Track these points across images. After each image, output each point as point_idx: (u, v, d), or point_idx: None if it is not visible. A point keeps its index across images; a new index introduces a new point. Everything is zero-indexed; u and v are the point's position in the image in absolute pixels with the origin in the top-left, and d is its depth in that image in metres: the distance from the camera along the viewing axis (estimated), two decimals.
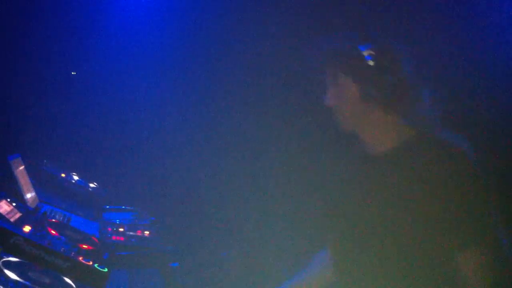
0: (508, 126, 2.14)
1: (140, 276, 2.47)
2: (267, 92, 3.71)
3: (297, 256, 3.03)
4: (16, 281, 1.64)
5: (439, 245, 1.51)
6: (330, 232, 1.91)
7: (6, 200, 2.19)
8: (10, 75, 3.85)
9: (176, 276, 2.60)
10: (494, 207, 1.50)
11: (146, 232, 2.86)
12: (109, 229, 2.78)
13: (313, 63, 1.75)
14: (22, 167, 2.77)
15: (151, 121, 4.37)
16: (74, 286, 1.85)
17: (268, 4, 3.60)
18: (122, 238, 2.72)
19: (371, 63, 1.60)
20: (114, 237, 2.70)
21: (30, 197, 2.67)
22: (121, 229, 2.80)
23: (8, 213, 2.10)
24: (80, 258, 1.98)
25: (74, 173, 3.58)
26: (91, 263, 1.99)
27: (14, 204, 2.24)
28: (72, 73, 4.44)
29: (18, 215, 2.16)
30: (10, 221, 2.03)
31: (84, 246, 2.23)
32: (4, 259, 1.74)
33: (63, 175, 3.46)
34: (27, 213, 2.31)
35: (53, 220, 2.50)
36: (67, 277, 1.87)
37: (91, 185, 3.61)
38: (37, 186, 2.90)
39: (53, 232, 2.19)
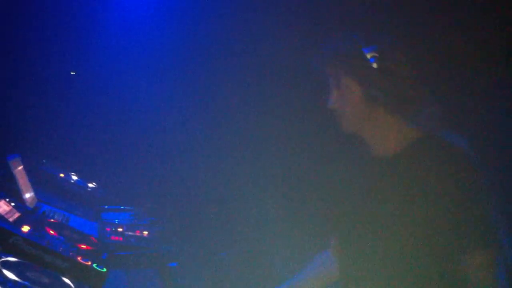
0: (509, 126, 2.14)
1: (138, 276, 2.47)
2: (269, 93, 3.70)
3: (297, 256, 3.03)
4: (15, 281, 1.64)
5: (443, 247, 1.51)
6: (333, 233, 1.91)
7: (5, 200, 2.19)
8: (9, 75, 3.84)
9: (175, 276, 2.60)
10: (496, 208, 1.50)
11: (145, 232, 2.86)
12: (108, 229, 2.78)
13: (316, 65, 1.75)
14: (21, 167, 2.76)
15: (150, 121, 4.37)
16: (72, 286, 1.85)
17: (270, 5, 3.60)
18: (121, 238, 2.72)
19: (374, 65, 1.60)
20: (112, 237, 2.70)
21: (29, 197, 2.67)
22: (120, 229, 2.80)
23: (7, 213, 2.10)
24: (79, 258, 1.98)
25: (73, 173, 3.57)
26: (89, 263, 1.99)
27: (13, 204, 2.24)
28: (71, 72, 4.44)
29: (17, 215, 2.16)
30: (9, 221, 2.02)
31: (83, 246, 2.22)
32: (3, 259, 1.74)
33: (62, 175, 3.46)
34: (26, 213, 2.31)
35: (52, 220, 2.50)
36: (65, 277, 1.87)
37: (90, 185, 3.61)
38: (36, 186, 2.90)
39: (52, 232, 2.19)
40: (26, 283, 1.66)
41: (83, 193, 3.49)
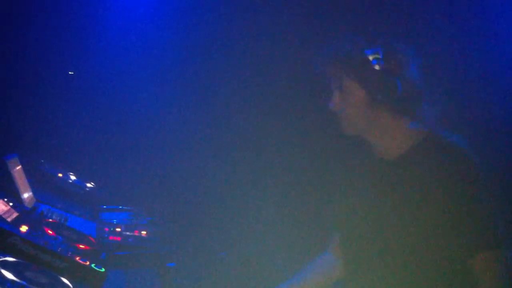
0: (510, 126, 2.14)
1: (137, 276, 2.46)
2: (270, 94, 3.70)
3: (297, 256, 3.03)
4: (13, 281, 1.64)
5: (447, 248, 1.51)
6: (335, 233, 1.91)
7: (3, 200, 2.18)
8: (7, 75, 3.84)
9: (173, 276, 2.59)
10: (498, 208, 1.50)
11: (143, 232, 2.85)
12: (106, 229, 2.78)
13: (317, 66, 1.74)
14: (19, 167, 2.76)
15: (148, 121, 4.36)
16: (71, 286, 1.84)
17: (271, 5, 3.60)
18: (119, 238, 2.71)
19: (376, 66, 1.59)
20: (111, 237, 2.69)
21: (27, 197, 2.66)
22: (118, 229, 2.80)
23: (5, 213, 2.09)
24: (77, 258, 1.98)
25: (71, 173, 3.57)
26: (88, 263, 1.99)
27: (11, 204, 2.23)
28: (70, 72, 4.43)
29: (15, 215, 2.15)
30: (7, 221, 2.02)
31: (81, 246, 2.22)
32: (1, 259, 1.73)
33: (60, 175, 3.46)
34: (24, 213, 2.31)
35: (50, 220, 2.49)
36: (64, 277, 1.87)
37: (88, 185, 3.61)
38: (34, 186, 2.89)
39: (50, 232, 2.18)
40: (24, 283, 1.66)
41: (82, 193, 3.48)
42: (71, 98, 4.30)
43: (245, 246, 3.67)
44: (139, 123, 4.37)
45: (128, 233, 2.80)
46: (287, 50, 3.44)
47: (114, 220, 2.98)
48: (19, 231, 1.95)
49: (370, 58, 1.60)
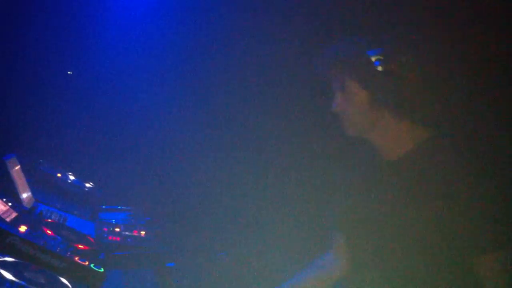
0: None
1: (136, 276, 2.46)
2: (272, 96, 3.69)
3: (296, 257, 3.03)
4: (12, 281, 1.63)
5: (455, 248, 1.50)
6: (338, 234, 1.90)
7: (2, 200, 2.18)
8: (6, 75, 3.83)
9: (172, 276, 2.59)
10: (504, 210, 1.49)
11: (142, 232, 2.85)
12: (105, 229, 2.77)
13: (319, 68, 1.74)
14: (18, 167, 2.76)
15: (148, 121, 4.36)
16: (70, 286, 1.84)
17: (273, 6, 3.59)
18: (118, 238, 2.71)
19: (379, 68, 1.59)
20: (110, 237, 2.69)
21: (26, 197, 2.66)
22: (117, 229, 2.80)
23: (4, 213, 2.09)
24: (76, 258, 1.98)
25: (70, 173, 3.56)
26: (87, 263, 1.99)
27: (9, 204, 2.23)
28: (68, 72, 4.43)
29: (13, 215, 2.15)
30: (5, 221, 2.01)
31: (80, 246, 2.22)
32: (0, 259, 1.73)
33: (59, 175, 3.45)
34: (23, 213, 2.30)
35: (49, 220, 2.49)
36: (63, 277, 1.86)
37: (87, 185, 3.60)
38: (33, 186, 2.89)
39: (49, 232, 2.18)
40: (23, 283, 1.66)
41: (81, 193, 3.48)
42: (70, 98, 4.30)
43: (244, 246, 3.67)
44: (138, 123, 4.37)
45: (127, 233, 2.79)
46: (289, 52, 3.44)
47: (113, 220, 2.98)
48: (18, 231, 1.94)
49: (373, 59, 1.60)
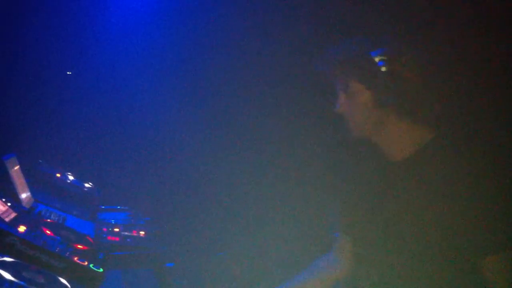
0: None
1: (135, 276, 2.46)
2: (275, 97, 3.69)
3: (296, 257, 3.03)
4: (11, 281, 1.64)
5: (461, 250, 1.50)
6: (342, 235, 1.90)
7: (1, 200, 2.18)
8: (5, 75, 3.83)
9: (171, 276, 2.59)
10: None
11: (142, 232, 2.85)
12: (104, 229, 2.77)
13: (322, 69, 1.73)
14: (17, 167, 2.75)
15: (147, 121, 4.36)
16: (69, 286, 1.84)
17: (275, 7, 3.59)
18: (117, 238, 2.71)
19: (383, 68, 1.59)
20: (109, 237, 2.69)
21: (25, 197, 2.66)
22: (116, 229, 2.80)
23: (3, 213, 2.09)
24: (75, 258, 1.98)
25: (69, 173, 3.56)
26: (86, 263, 1.99)
27: (9, 204, 2.23)
28: (68, 72, 4.43)
29: (13, 215, 2.15)
30: (5, 221, 2.01)
31: (79, 246, 2.22)
32: None
33: (58, 175, 3.45)
34: (22, 213, 2.30)
35: (48, 220, 2.49)
36: (62, 277, 1.86)
37: (87, 185, 3.60)
38: (32, 186, 2.89)
39: (48, 232, 2.18)
40: (22, 283, 1.66)
41: (80, 193, 3.48)
42: (69, 98, 4.30)
43: (243, 246, 3.67)
44: (137, 124, 4.37)
45: (126, 233, 2.79)
46: (293, 53, 3.44)
47: (112, 220, 2.98)
48: (17, 231, 1.94)
49: (376, 59, 1.59)
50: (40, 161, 3.50)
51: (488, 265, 1.47)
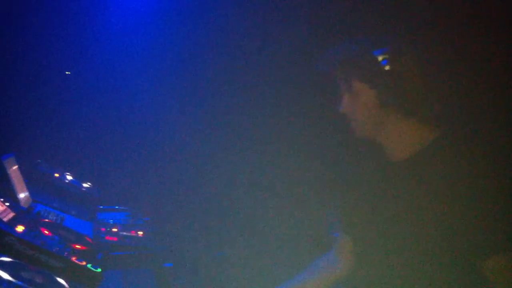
0: None
1: (133, 277, 2.45)
2: (277, 98, 3.69)
3: (296, 257, 3.03)
4: (9, 281, 1.63)
5: (463, 250, 1.49)
6: (342, 235, 1.90)
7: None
8: (4, 75, 3.83)
9: (170, 276, 2.59)
10: None
11: (140, 233, 2.85)
12: (103, 229, 2.77)
13: (324, 69, 1.73)
14: (15, 167, 2.75)
15: (145, 121, 4.36)
16: (67, 286, 1.84)
17: (278, 9, 3.58)
18: (115, 238, 2.71)
19: (386, 67, 1.58)
20: (107, 237, 2.69)
21: (24, 197, 2.66)
22: (114, 229, 2.79)
23: (1, 213, 2.08)
24: (74, 258, 1.97)
25: (67, 173, 3.56)
26: (84, 263, 1.98)
27: (7, 203, 2.23)
28: (66, 72, 4.42)
29: (11, 214, 2.15)
30: (3, 221, 2.01)
31: (78, 246, 2.21)
32: None
33: (56, 174, 3.45)
34: (21, 212, 2.30)
35: (47, 220, 2.48)
36: (60, 277, 1.86)
37: (85, 185, 3.60)
38: (30, 186, 2.89)
39: (46, 232, 2.17)
40: (20, 283, 1.65)
41: (78, 193, 3.48)
42: (68, 97, 4.30)
43: (242, 246, 3.67)
44: (136, 124, 4.36)
45: (124, 233, 2.79)
46: (293, 53, 3.43)
47: (111, 220, 2.97)
48: (15, 231, 1.94)
49: (379, 58, 1.59)
50: (39, 160, 3.49)
51: (489, 265, 1.46)
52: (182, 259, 3.05)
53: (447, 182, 1.50)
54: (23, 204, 2.55)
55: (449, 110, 1.65)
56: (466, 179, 1.48)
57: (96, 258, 2.17)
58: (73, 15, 4.13)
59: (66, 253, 1.99)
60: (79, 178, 3.60)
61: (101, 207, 3.28)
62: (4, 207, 2.15)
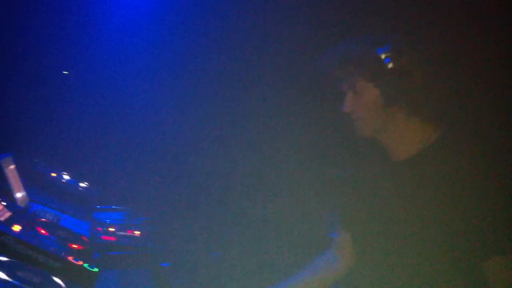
0: None
1: (130, 276, 2.45)
2: (279, 97, 3.68)
3: (294, 256, 3.02)
4: (6, 280, 1.63)
5: (463, 251, 1.49)
6: (343, 234, 1.90)
7: None
8: (2, 75, 3.82)
9: (167, 276, 2.59)
10: None
11: (137, 232, 2.84)
12: (100, 228, 2.77)
13: (330, 69, 1.72)
14: (12, 166, 2.74)
15: (143, 121, 4.35)
16: (64, 286, 1.83)
17: (281, 8, 3.58)
18: (112, 238, 2.70)
19: (389, 65, 1.58)
20: (104, 237, 2.68)
21: (20, 196, 2.65)
22: (111, 229, 2.79)
23: None
24: (70, 258, 1.97)
25: (65, 173, 3.55)
26: (81, 263, 1.98)
27: (4, 203, 2.22)
28: (64, 72, 4.42)
29: (8, 214, 2.14)
30: None
31: (74, 245, 2.21)
32: None
33: (53, 174, 3.44)
34: (17, 212, 2.29)
35: (43, 219, 2.48)
36: (57, 277, 1.85)
37: (82, 184, 3.59)
38: (27, 185, 2.88)
39: (43, 231, 2.17)
40: (17, 283, 1.65)
41: (75, 192, 3.47)
42: (65, 97, 4.29)
43: (239, 246, 3.66)
44: (133, 123, 4.36)
45: (121, 233, 2.79)
46: (293, 53, 3.43)
47: (108, 220, 2.97)
48: (12, 230, 1.94)
49: (383, 56, 1.58)
50: (36, 160, 3.49)
51: (489, 266, 1.47)
52: (180, 259, 3.05)
53: (448, 182, 1.50)
54: (20, 203, 2.54)
55: (451, 109, 1.65)
56: (466, 179, 1.48)
57: (93, 257, 2.17)
58: (73, 15, 4.13)
59: (63, 252, 1.99)
60: (76, 178, 3.60)
61: (98, 206, 3.27)
62: (1, 207, 2.15)
